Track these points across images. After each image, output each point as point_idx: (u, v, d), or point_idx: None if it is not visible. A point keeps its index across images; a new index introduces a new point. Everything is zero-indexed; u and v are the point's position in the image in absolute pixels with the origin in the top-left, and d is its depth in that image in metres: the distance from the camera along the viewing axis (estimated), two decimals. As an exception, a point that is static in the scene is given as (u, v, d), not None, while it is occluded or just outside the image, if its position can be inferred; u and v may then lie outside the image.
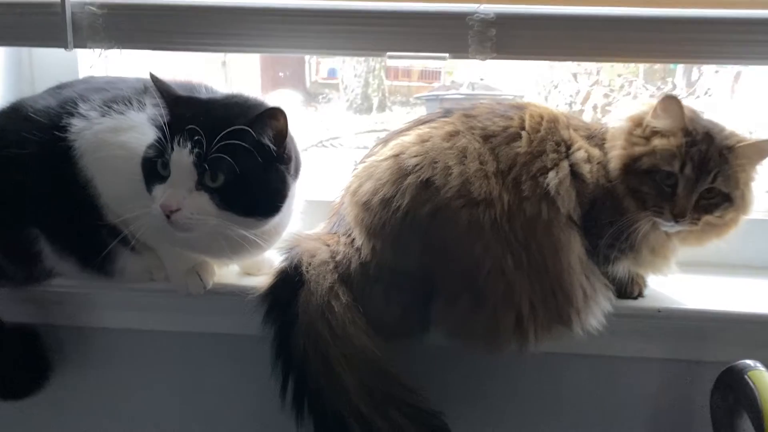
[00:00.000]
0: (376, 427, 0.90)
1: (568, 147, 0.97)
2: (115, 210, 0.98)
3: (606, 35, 1.00)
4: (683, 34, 1.00)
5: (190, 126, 0.87)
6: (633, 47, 1.00)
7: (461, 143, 0.94)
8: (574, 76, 1.38)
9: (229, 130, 0.86)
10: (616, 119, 0.99)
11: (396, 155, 0.95)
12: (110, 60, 1.23)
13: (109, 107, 0.98)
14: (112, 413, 1.22)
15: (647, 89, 1.39)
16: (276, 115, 0.89)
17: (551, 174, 0.93)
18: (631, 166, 0.93)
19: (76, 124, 0.97)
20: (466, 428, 1.14)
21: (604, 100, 1.38)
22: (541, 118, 0.98)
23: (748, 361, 0.91)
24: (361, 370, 0.92)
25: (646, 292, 1.05)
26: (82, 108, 0.98)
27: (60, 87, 1.07)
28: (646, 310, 1.02)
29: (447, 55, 1.03)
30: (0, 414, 1.16)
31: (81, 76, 1.23)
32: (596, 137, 0.99)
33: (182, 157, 0.87)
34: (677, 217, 0.91)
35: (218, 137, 0.86)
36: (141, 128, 0.96)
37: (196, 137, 0.86)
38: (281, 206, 0.94)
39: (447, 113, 1.01)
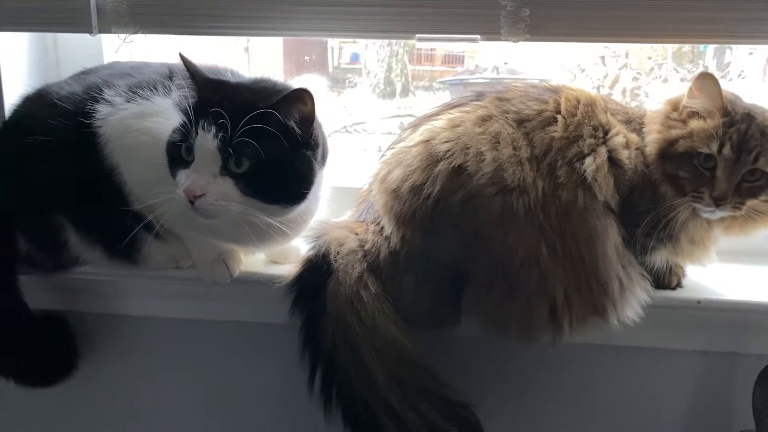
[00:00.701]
0: (405, 420, 0.89)
1: (606, 132, 0.93)
2: (140, 196, 0.97)
3: (640, 15, 0.96)
4: (715, 13, 0.95)
5: (214, 109, 0.85)
6: (667, 27, 0.95)
7: (494, 128, 0.91)
8: (602, 59, 1.34)
9: (254, 113, 0.84)
10: (654, 103, 0.96)
11: (426, 141, 0.92)
12: (135, 45, 1.21)
13: (134, 93, 0.96)
14: (138, 400, 1.22)
15: (677, 72, 1.34)
16: (302, 97, 0.86)
17: (588, 160, 0.89)
18: (667, 150, 0.90)
19: (102, 110, 0.96)
20: (498, 421, 1.12)
21: (633, 83, 1.34)
22: (578, 101, 0.94)
23: (793, 355, 0.88)
24: (391, 362, 0.90)
25: (684, 282, 1.02)
26: (107, 94, 0.96)
27: (85, 73, 1.06)
28: (686, 301, 0.98)
29: (478, 37, 0.99)
30: (29, 400, 1.16)
31: (106, 61, 1.22)
32: (634, 122, 0.96)
33: (206, 141, 0.85)
34: (718, 201, 0.87)
35: (243, 121, 0.84)
36: (166, 113, 0.94)
37: (221, 121, 0.84)
38: (307, 193, 0.92)
39: (479, 96, 0.98)
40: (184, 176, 0.87)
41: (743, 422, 0.94)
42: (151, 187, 0.93)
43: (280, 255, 1.08)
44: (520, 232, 0.88)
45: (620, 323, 0.93)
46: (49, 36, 1.24)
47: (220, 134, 0.85)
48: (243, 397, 1.19)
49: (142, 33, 1.06)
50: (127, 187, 0.97)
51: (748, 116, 0.87)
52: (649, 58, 1.35)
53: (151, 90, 0.96)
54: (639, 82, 1.34)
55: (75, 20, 1.04)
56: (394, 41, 1.43)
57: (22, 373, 1.08)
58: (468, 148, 0.89)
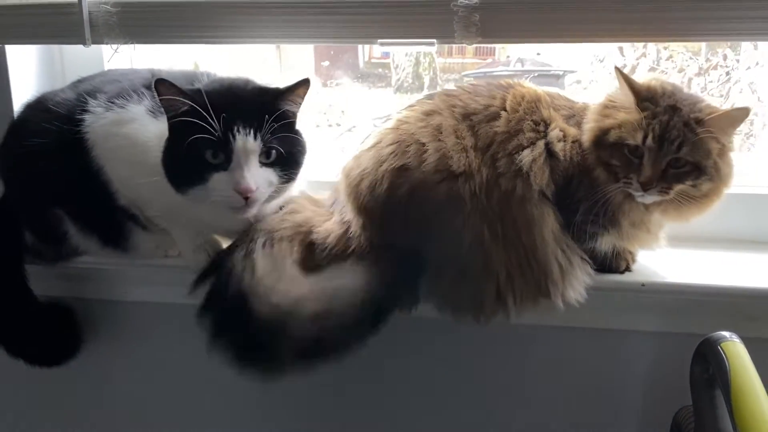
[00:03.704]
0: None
1: (547, 126, 1.00)
2: (124, 193, 1.07)
3: (590, 16, 1.02)
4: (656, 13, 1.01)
5: (242, 112, 0.96)
6: (611, 27, 1.01)
7: (436, 121, 0.99)
8: (620, 49, 1.38)
9: (278, 112, 0.96)
10: (598, 98, 1.02)
11: (376, 143, 1.01)
12: (139, 52, 1.32)
13: (112, 102, 1.06)
14: (138, 380, 1.33)
15: (696, 60, 1.38)
16: (307, 83, 0.99)
17: (525, 152, 0.96)
18: (600, 138, 0.97)
19: (87, 118, 1.06)
20: (453, 402, 1.21)
21: (651, 73, 1.39)
22: (522, 98, 1.01)
23: (724, 333, 0.93)
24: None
25: (634, 267, 1.08)
26: (91, 104, 1.06)
27: (80, 81, 1.17)
28: (631, 284, 1.04)
29: (435, 41, 1.07)
30: (36, 381, 1.28)
31: (106, 69, 1.33)
32: (577, 116, 1.02)
33: (248, 141, 0.95)
34: (644, 186, 0.94)
35: (272, 118, 0.96)
36: (140, 120, 1.05)
37: (252, 127, 0.95)
38: (300, 170, 1.04)
39: (431, 96, 1.06)
40: (224, 177, 0.96)
41: (686, 399, 0.99)
42: (132, 184, 1.05)
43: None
44: (467, 216, 0.95)
45: (564, 304, 0.99)
46: (55, 47, 1.35)
47: (258, 133, 0.96)
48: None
49: (131, 43, 1.16)
50: (113, 185, 1.07)
51: (672, 109, 0.93)
52: (665, 48, 1.38)
53: (127, 98, 1.06)
54: (657, 71, 1.37)
55: (70, 33, 1.14)
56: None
57: (31, 354, 1.19)
58: (409, 146, 0.97)
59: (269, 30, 1.12)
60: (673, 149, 0.92)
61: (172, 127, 0.98)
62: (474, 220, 0.95)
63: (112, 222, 1.09)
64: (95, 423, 1.39)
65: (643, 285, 1.04)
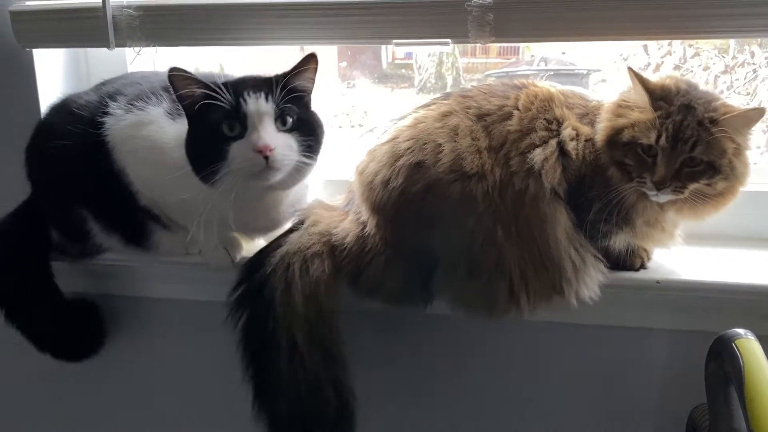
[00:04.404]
0: (301, 356, 1.00)
1: (560, 125, 1.00)
2: (145, 193, 1.10)
3: (598, 15, 1.03)
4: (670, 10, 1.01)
5: (251, 81, 1.01)
6: (623, 25, 1.02)
7: (453, 122, 1.00)
8: (645, 47, 1.38)
9: (289, 85, 1.00)
10: (611, 96, 1.03)
11: (393, 139, 1.02)
12: (168, 53, 1.35)
13: (132, 104, 1.09)
14: (159, 375, 1.36)
15: (722, 58, 1.38)
16: (314, 59, 1.02)
17: (537, 150, 0.97)
18: (614, 137, 0.97)
19: (107, 121, 1.09)
20: (464, 399, 1.22)
21: (676, 72, 1.38)
22: (536, 97, 1.02)
23: (738, 330, 0.92)
24: (312, 309, 1.01)
25: (649, 264, 1.08)
26: (112, 106, 1.10)
27: (103, 83, 1.20)
28: (646, 281, 1.04)
29: (449, 40, 1.09)
30: (60, 375, 1.32)
31: (129, 71, 1.36)
32: (591, 114, 1.03)
33: (259, 104, 0.99)
34: (658, 185, 0.94)
35: (281, 84, 0.99)
36: (159, 122, 1.08)
37: (262, 90, 0.99)
38: (321, 149, 1.06)
39: (446, 96, 1.07)
40: (242, 145, 0.98)
41: (701, 397, 0.99)
42: (152, 185, 1.08)
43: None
44: (479, 216, 0.96)
45: (578, 301, 1.00)
46: (80, 50, 1.39)
47: (270, 96, 0.99)
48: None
49: (153, 46, 1.19)
50: (133, 185, 1.10)
51: (686, 108, 0.93)
52: (690, 46, 1.38)
53: (146, 100, 1.09)
54: (682, 69, 1.37)
55: (94, 36, 1.18)
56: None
57: (57, 348, 1.23)
58: (426, 143, 0.98)
59: (286, 31, 1.14)
60: (686, 148, 0.92)
61: (190, 116, 1.02)
62: (487, 220, 0.96)
63: (134, 221, 1.13)
64: (117, 418, 1.42)
65: (658, 282, 1.04)
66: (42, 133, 1.15)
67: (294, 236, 1.07)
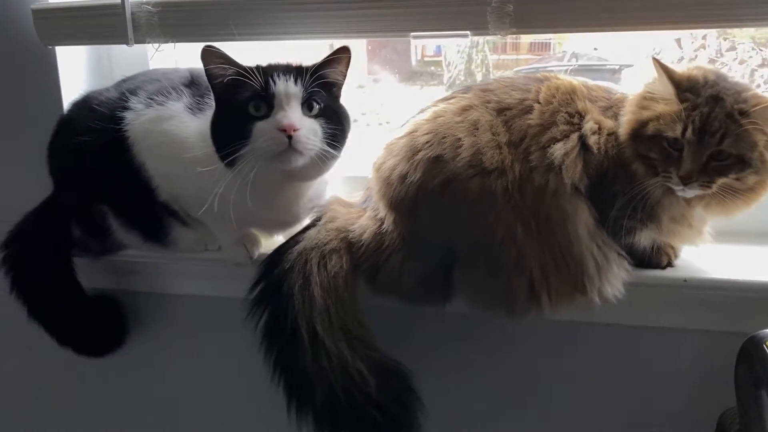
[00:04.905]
0: (323, 345, 0.98)
1: (582, 118, 0.97)
2: (165, 189, 1.10)
3: (624, 4, 0.99)
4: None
5: (282, 66, 1.01)
6: (646, 15, 0.98)
7: (473, 116, 0.98)
8: (678, 41, 1.35)
9: (318, 73, 1.00)
10: (636, 88, 0.99)
11: (411, 132, 1.00)
12: (181, 51, 1.35)
13: (152, 99, 1.09)
14: (180, 371, 1.37)
15: (759, 51, 1.33)
16: (344, 51, 1.02)
17: (558, 145, 0.94)
18: (638, 131, 0.93)
19: (127, 116, 1.09)
20: (487, 399, 1.19)
21: (710, 66, 1.34)
22: (557, 90, 0.99)
23: (768, 330, 0.89)
24: (332, 299, 1.00)
25: (677, 262, 1.05)
26: (132, 101, 1.10)
27: (124, 80, 1.20)
28: (673, 279, 1.01)
29: (468, 33, 1.06)
30: (82, 370, 1.33)
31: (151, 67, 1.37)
32: (614, 107, 0.99)
33: (288, 86, 0.99)
34: (684, 180, 0.90)
35: (312, 71, 1.00)
36: (180, 116, 1.08)
37: (292, 73, 0.99)
38: (347, 142, 1.05)
39: (467, 90, 1.04)
40: (265, 124, 0.98)
41: (731, 401, 0.96)
42: (173, 181, 1.07)
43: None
44: (498, 212, 0.94)
45: (601, 300, 0.97)
46: (103, 47, 1.40)
47: (299, 80, 0.99)
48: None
49: (172, 42, 1.19)
50: (153, 181, 1.10)
51: (714, 99, 0.89)
52: (725, 39, 1.35)
53: (166, 95, 1.09)
54: (717, 63, 1.34)
55: (113, 33, 1.18)
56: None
57: (80, 344, 1.24)
58: (445, 137, 0.96)
59: (305, 26, 1.13)
60: (714, 141, 0.88)
61: (218, 95, 1.02)
62: (506, 216, 0.94)
63: (153, 218, 1.13)
64: (137, 413, 1.43)
65: (685, 281, 1.00)
66: (63, 129, 1.16)
67: (311, 232, 1.06)
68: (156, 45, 1.20)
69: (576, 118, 0.97)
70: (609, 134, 0.96)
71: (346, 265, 1.02)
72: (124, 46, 1.22)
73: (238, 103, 0.99)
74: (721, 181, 0.91)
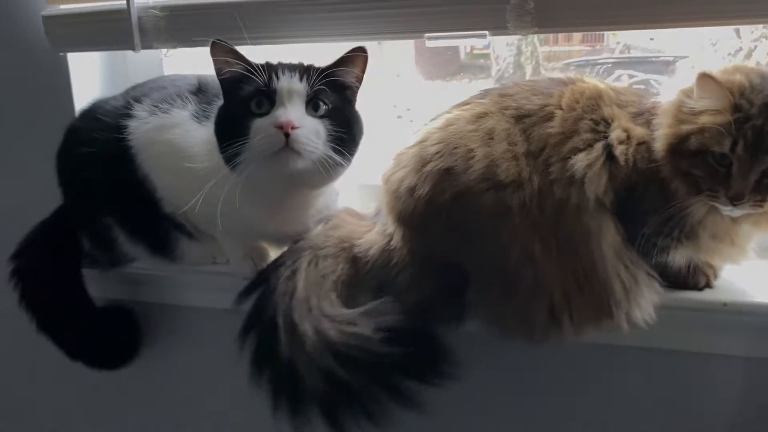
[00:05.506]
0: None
1: (608, 126, 0.89)
2: (171, 201, 1.06)
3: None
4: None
5: (289, 64, 0.96)
6: (673, 11, 0.89)
7: (488, 124, 0.90)
8: (737, 31, 1.24)
9: (328, 72, 0.94)
10: (671, 93, 0.89)
11: (421, 142, 0.93)
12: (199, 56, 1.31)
13: (156, 106, 1.05)
14: (191, 383, 1.33)
15: None
16: (359, 51, 0.95)
17: (580, 155, 0.86)
18: (678, 146, 0.83)
19: (131, 124, 1.05)
20: (513, 425, 1.11)
21: (750, 66, 1.24)
22: (582, 94, 0.91)
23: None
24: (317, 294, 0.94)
25: (717, 282, 0.95)
26: (136, 109, 1.06)
27: (133, 87, 1.16)
28: (711, 303, 0.92)
29: (487, 33, 0.99)
30: (93, 383, 1.30)
31: (167, 73, 1.33)
32: (647, 113, 0.90)
33: (292, 83, 0.93)
34: (734, 201, 0.81)
35: (320, 70, 0.94)
36: (184, 125, 1.03)
37: (298, 70, 0.94)
38: (357, 149, 0.98)
39: (484, 95, 0.97)
40: (264, 121, 0.92)
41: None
42: (177, 192, 1.03)
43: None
44: (514, 228, 0.86)
45: (629, 325, 0.88)
46: (118, 53, 1.37)
47: (304, 77, 0.93)
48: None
49: (180, 47, 1.15)
50: (158, 192, 1.06)
51: (767, 109, 0.79)
52: None
53: (171, 103, 1.05)
54: None
55: (121, 39, 1.15)
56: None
57: (90, 357, 1.21)
58: (456, 148, 0.89)
59: (316, 28, 1.08)
60: None
61: (224, 91, 0.98)
62: (523, 233, 0.86)
63: (159, 230, 1.09)
64: (147, 426, 1.41)
65: (725, 305, 0.91)
66: (69, 139, 1.13)
67: (312, 235, 1.01)
68: (164, 50, 1.16)
69: (602, 126, 0.89)
70: (639, 144, 0.87)
71: (341, 272, 0.96)
72: (142, 51, 1.19)
73: (241, 99, 0.94)
74: None
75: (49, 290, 1.17)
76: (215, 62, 0.96)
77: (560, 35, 1.40)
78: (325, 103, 0.95)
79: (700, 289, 0.94)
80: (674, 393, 1.01)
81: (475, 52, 1.54)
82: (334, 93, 0.96)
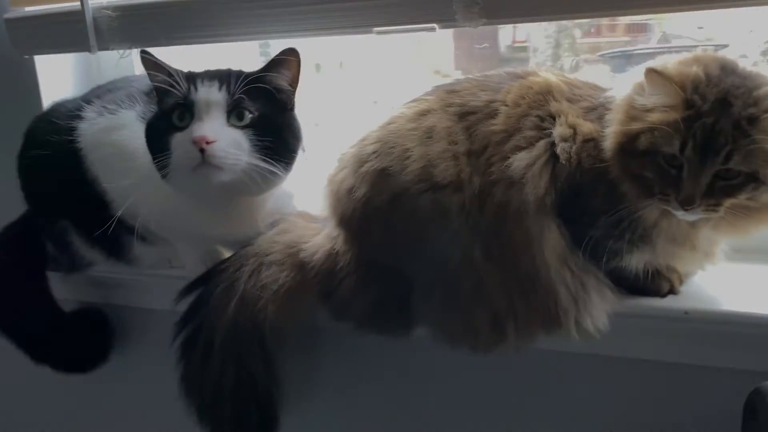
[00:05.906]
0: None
1: (554, 122, 0.83)
2: (120, 203, 1.03)
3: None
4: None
5: (208, 71, 0.93)
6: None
7: (428, 123, 0.86)
8: None
9: (255, 77, 0.90)
10: (625, 86, 0.83)
11: (360, 141, 0.89)
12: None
13: (104, 107, 1.04)
14: (161, 387, 1.31)
15: None
16: (289, 53, 0.91)
17: (521, 154, 0.80)
18: (627, 146, 0.77)
19: (81, 126, 1.04)
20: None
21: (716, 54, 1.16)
22: (529, 89, 0.85)
23: (775, 382, 0.73)
24: (245, 320, 0.92)
25: (684, 288, 0.89)
26: (86, 110, 1.05)
27: (94, 88, 1.15)
28: (672, 311, 0.85)
29: (436, 25, 0.94)
30: (66, 386, 1.29)
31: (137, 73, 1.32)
32: (599, 108, 0.84)
33: (210, 93, 0.90)
34: (685, 204, 0.74)
35: (242, 77, 0.90)
36: (132, 126, 1.01)
37: (218, 79, 0.91)
38: (296, 156, 0.95)
39: (432, 91, 0.92)
40: (182, 135, 0.89)
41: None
42: (125, 195, 1.00)
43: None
44: (453, 232, 0.82)
45: (580, 334, 0.83)
46: (90, 54, 1.36)
47: (224, 86, 0.90)
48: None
49: (136, 47, 1.13)
50: (107, 195, 1.04)
51: (721, 105, 0.72)
52: None
53: (119, 104, 1.03)
54: None
55: (76, 40, 1.14)
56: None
57: (56, 361, 1.19)
58: (393, 147, 0.84)
59: (265, 25, 1.05)
60: (719, 160, 0.72)
61: (157, 101, 0.96)
62: (463, 237, 0.82)
63: (112, 233, 1.06)
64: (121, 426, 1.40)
65: (686, 313, 0.85)
66: (26, 141, 1.12)
67: (259, 239, 0.98)
68: (121, 51, 1.14)
69: (547, 122, 0.83)
70: (586, 141, 0.81)
71: (285, 280, 0.93)
72: (114, 52, 1.17)
73: (163, 112, 0.91)
74: (729, 202, 0.74)
75: (10, 293, 1.16)
76: (147, 73, 0.94)
77: (604, 26, 1.34)
78: (250, 112, 0.91)
79: (663, 296, 0.87)
80: (628, 403, 0.95)
81: (516, 44, 1.47)
82: (262, 99, 0.91)
